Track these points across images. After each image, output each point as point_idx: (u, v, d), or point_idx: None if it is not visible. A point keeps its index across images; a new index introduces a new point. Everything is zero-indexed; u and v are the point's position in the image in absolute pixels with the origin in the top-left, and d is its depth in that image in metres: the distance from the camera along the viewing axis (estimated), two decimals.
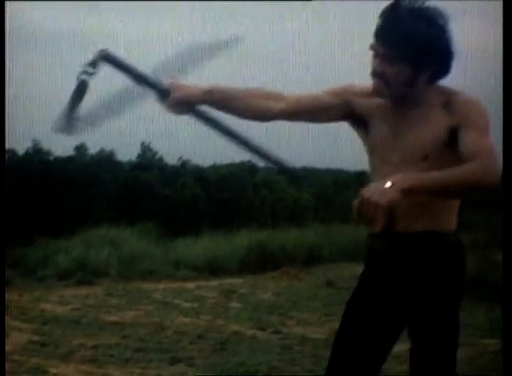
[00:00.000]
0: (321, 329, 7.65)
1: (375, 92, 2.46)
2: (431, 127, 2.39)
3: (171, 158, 18.54)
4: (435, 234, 2.42)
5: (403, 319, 2.46)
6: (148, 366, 5.76)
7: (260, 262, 12.90)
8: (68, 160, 17.59)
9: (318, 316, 8.45)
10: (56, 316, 7.97)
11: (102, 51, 2.45)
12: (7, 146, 15.78)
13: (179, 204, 17.13)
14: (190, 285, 10.87)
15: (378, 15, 2.41)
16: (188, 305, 9.11)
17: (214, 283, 11.23)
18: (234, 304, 9.29)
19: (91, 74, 2.45)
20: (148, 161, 18.35)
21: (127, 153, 18.00)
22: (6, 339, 5.99)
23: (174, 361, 5.91)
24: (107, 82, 2.50)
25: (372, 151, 2.50)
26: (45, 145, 16.87)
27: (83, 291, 9.99)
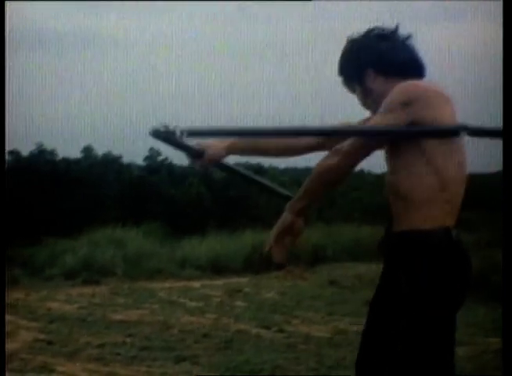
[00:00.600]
0: (325, 328, 7.69)
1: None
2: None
3: (179, 160, 18.58)
4: (417, 233, 2.42)
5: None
6: (153, 365, 5.80)
7: (264, 262, 12.93)
8: (75, 161, 17.61)
9: (322, 315, 8.48)
10: (63, 314, 8.02)
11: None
12: (10, 147, 15.84)
13: (185, 204, 17.15)
14: (195, 284, 10.91)
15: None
16: (193, 303, 9.15)
17: (219, 282, 11.27)
18: (239, 303, 9.33)
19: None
20: (156, 164, 18.35)
21: (135, 155, 18.01)
22: (10, 338, 6.07)
23: (179, 359, 5.95)
24: None
25: None
26: (49, 145, 16.89)
27: (89, 290, 10.04)
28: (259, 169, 16.03)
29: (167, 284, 10.80)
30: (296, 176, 16.10)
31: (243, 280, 11.43)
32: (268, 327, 7.53)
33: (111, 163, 17.89)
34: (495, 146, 2.49)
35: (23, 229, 13.43)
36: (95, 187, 16.76)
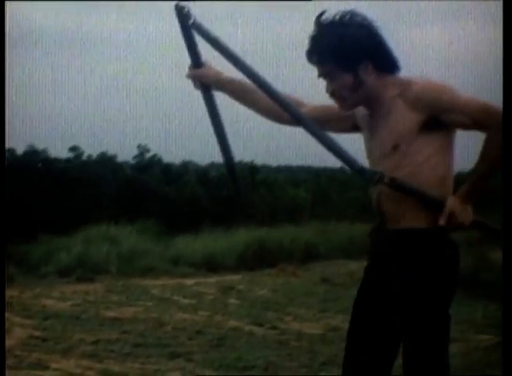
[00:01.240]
0: (317, 325, 7.73)
1: (341, 110, 2.57)
2: (395, 117, 2.44)
3: (172, 158, 18.60)
4: (414, 232, 2.45)
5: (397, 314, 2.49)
6: (147, 362, 5.83)
7: (257, 259, 12.98)
8: (69, 160, 17.63)
9: (314, 312, 8.51)
10: (57, 311, 8.02)
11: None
12: (8, 145, 15.84)
13: (179, 202, 17.17)
14: (189, 282, 10.92)
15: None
16: (186, 301, 9.16)
17: (213, 279, 11.28)
18: (232, 300, 9.34)
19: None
20: (147, 162, 18.36)
21: (128, 153, 18.00)
22: (7, 335, 6.10)
23: (173, 356, 5.99)
24: None
25: (367, 157, 2.59)
26: (41, 145, 16.89)
27: (83, 287, 10.04)
28: (252, 168, 16.07)
29: (160, 282, 10.81)
30: (290, 175, 16.14)
31: (236, 278, 11.45)
32: (260, 324, 7.56)
33: (107, 162, 17.93)
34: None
35: (18, 226, 13.43)
36: (90, 186, 16.77)
